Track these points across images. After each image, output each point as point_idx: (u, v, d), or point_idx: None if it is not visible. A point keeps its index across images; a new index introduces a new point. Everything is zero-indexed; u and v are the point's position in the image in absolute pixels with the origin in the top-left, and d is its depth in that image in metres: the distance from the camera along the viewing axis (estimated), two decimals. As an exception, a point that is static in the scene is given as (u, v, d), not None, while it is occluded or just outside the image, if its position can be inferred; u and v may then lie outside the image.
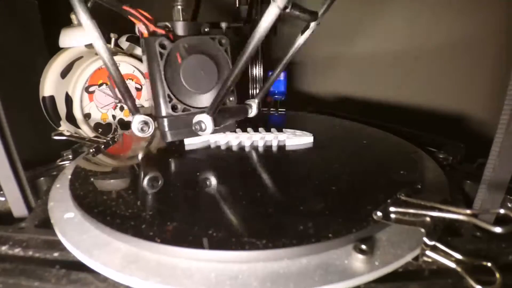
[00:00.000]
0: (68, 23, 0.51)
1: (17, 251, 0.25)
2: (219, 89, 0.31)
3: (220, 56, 0.37)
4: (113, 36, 0.52)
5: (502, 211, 0.21)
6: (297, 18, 0.30)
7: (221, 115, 0.33)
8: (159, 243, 0.22)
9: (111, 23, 0.54)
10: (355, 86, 0.64)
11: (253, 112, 0.39)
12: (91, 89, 0.50)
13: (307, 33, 0.35)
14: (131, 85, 0.54)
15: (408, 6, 0.54)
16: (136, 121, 0.33)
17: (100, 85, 0.51)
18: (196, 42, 0.36)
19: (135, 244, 0.22)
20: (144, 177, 0.32)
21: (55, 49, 0.52)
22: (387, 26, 0.57)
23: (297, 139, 0.39)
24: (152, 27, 0.34)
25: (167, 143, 0.39)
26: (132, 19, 0.34)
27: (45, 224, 0.27)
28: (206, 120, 0.32)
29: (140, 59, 0.54)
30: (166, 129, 0.36)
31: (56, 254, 0.24)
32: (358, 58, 0.62)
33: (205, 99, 0.37)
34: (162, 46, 0.34)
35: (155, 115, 0.36)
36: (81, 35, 0.50)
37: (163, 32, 0.35)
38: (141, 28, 0.35)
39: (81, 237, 0.24)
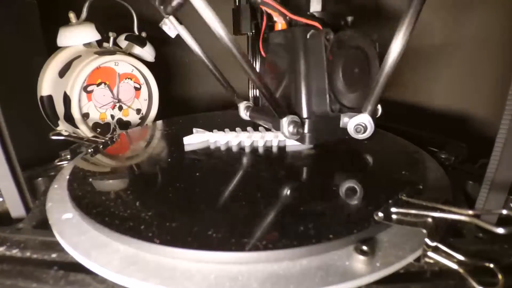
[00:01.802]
0: (66, 22, 0.51)
1: (15, 252, 0.24)
2: (376, 87, 0.28)
3: (371, 53, 0.34)
4: (111, 35, 0.52)
5: (504, 211, 0.21)
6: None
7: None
8: (158, 244, 0.21)
9: (110, 22, 0.54)
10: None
11: (379, 112, 0.37)
12: (89, 88, 0.50)
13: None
14: (130, 84, 0.54)
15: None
16: (286, 123, 0.30)
17: (98, 85, 0.51)
18: (351, 35, 0.33)
19: (134, 245, 0.22)
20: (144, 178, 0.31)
21: (54, 48, 0.51)
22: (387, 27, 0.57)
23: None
24: (296, 17, 0.32)
25: (166, 143, 0.38)
26: (267, 9, 0.31)
27: (43, 225, 0.27)
28: (367, 120, 0.29)
29: (138, 58, 0.53)
30: (312, 131, 0.33)
31: (54, 255, 0.24)
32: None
33: (354, 99, 0.34)
34: (328, 39, 0.31)
35: (302, 115, 0.33)
36: (79, 34, 0.50)
37: (316, 24, 0.32)
38: (278, 19, 0.32)
39: (80, 238, 0.24)
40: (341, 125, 0.32)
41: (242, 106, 0.39)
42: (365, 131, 0.30)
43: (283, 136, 0.39)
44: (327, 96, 0.32)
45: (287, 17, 0.33)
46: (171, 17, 0.33)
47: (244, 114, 0.39)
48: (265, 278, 0.20)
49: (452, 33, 0.50)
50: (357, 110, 0.31)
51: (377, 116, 0.37)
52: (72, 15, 0.50)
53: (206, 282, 0.20)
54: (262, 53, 0.39)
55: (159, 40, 0.54)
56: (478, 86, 0.50)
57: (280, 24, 0.34)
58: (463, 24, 0.49)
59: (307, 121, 0.32)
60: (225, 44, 0.26)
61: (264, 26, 0.37)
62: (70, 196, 0.28)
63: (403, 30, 0.26)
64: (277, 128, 0.32)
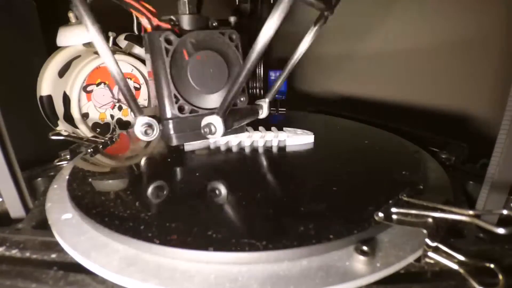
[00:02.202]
0: (66, 22, 0.50)
1: (14, 252, 0.24)
2: (229, 88, 0.29)
3: (230, 53, 0.35)
4: (111, 35, 0.51)
5: (505, 212, 0.21)
6: (310, 6, 0.28)
7: (232, 116, 0.31)
8: (158, 245, 0.21)
9: (109, 22, 0.54)
10: (356, 86, 0.64)
11: (264, 113, 0.37)
12: (89, 88, 0.50)
13: (320, 24, 0.33)
14: (130, 84, 0.54)
15: (411, 7, 0.53)
16: (140, 124, 0.31)
17: (98, 85, 0.51)
18: (204, 37, 0.34)
19: (133, 245, 0.22)
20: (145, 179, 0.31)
21: (53, 48, 0.51)
22: (389, 26, 0.57)
23: (298, 138, 0.39)
24: (156, 21, 0.32)
25: (166, 143, 0.38)
26: (134, 12, 0.32)
27: (43, 225, 0.27)
28: (216, 122, 0.30)
29: (138, 58, 0.53)
30: (172, 132, 0.33)
31: (53, 256, 0.24)
32: (359, 57, 0.62)
33: (214, 100, 0.34)
34: (168, 42, 0.32)
35: (159, 116, 0.33)
36: (79, 33, 0.50)
37: (168, 26, 0.33)
38: (143, 22, 0.32)
39: (79, 238, 0.24)
40: (201, 125, 0.31)
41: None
42: (214, 132, 0.30)
43: (283, 136, 0.39)
44: (173, 98, 0.32)
45: (153, 22, 0.33)
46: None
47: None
48: (265, 279, 0.20)
49: (452, 32, 0.50)
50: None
51: (261, 118, 0.37)
52: (71, 15, 0.50)
53: (206, 282, 0.20)
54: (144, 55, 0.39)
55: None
56: (479, 86, 0.50)
57: (146, 27, 0.34)
58: (463, 24, 0.49)
59: (170, 122, 0.33)
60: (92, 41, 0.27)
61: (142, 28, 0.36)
62: (70, 196, 0.28)
63: (272, 20, 0.24)
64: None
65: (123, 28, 0.55)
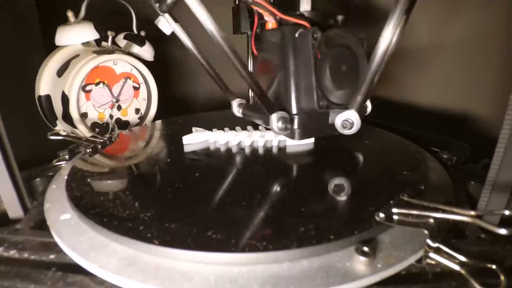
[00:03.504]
0: (65, 21, 0.50)
1: (12, 253, 0.24)
2: (363, 84, 0.29)
3: (359, 50, 0.35)
4: (110, 34, 0.51)
5: (507, 212, 0.21)
6: None
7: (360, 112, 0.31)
8: (157, 245, 0.21)
9: (108, 21, 0.54)
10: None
11: (368, 109, 0.37)
12: (88, 88, 0.50)
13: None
14: (129, 84, 0.54)
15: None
16: (275, 118, 0.30)
17: (97, 84, 0.51)
18: (337, 34, 0.34)
19: (133, 246, 0.22)
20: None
21: (52, 47, 0.51)
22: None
23: (298, 138, 0.38)
24: (285, 17, 0.33)
25: (166, 143, 0.38)
26: (257, 8, 0.32)
27: (41, 225, 0.27)
28: (354, 117, 0.30)
29: (137, 58, 0.53)
30: (301, 127, 0.33)
31: (52, 256, 0.24)
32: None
33: (342, 96, 0.34)
34: (315, 38, 0.32)
35: (291, 111, 0.33)
36: (78, 33, 0.50)
37: (305, 23, 0.33)
38: (269, 18, 0.33)
39: (78, 239, 0.24)
40: (329, 121, 0.32)
41: (235, 103, 0.39)
42: (351, 127, 0.31)
43: (283, 136, 0.39)
44: (315, 93, 0.33)
45: (277, 17, 0.33)
46: (167, 15, 0.34)
47: (237, 111, 0.40)
48: (265, 279, 0.20)
49: (454, 32, 0.50)
50: (345, 106, 0.32)
51: (366, 114, 0.37)
52: (70, 14, 0.50)
53: (205, 283, 0.19)
54: (254, 51, 0.40)
55: (158, 39, 0.54)
56: (480, 86, 0.50)
57: (270, 23, 0.35)
58: (464, 23, 0.49)
59: (296, 117, 0.33)
60: (216, 41, 0.26)
61: (256, 25, 0.38)
62: (69, 197, 0.28)
63: (390, 28, 0.26)
64: (267, 124, 0.32)
65: (122, 27, 0.55)
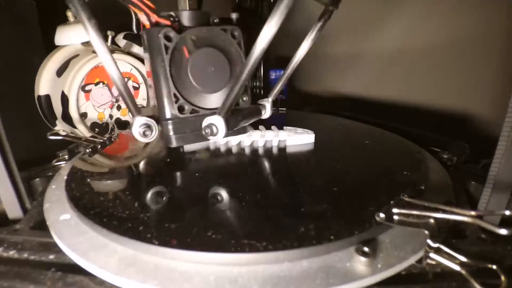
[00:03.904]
0: (64, 21, 0.50)
1: (12, 253, 0.24)
2: (231, 87, 0.28)
3: (233, 51, 0.33)
4: (110, 34, 0.51)
5: (507, 212, 0.21)
6: (316, 0, 0.27)
7: (234, 117, 0.30)
8: (157, 245, 0.21)
9: (108, 20, 0.53)
10: (357, 85, 0.64)
11: (267, 113, 0.36)
12: (87, 88, 0.50)
13: (325, 19, 0.32)
14: (129, 84, 0.54)
15: (411, 7, 0.53)
16: (137, 124, 0.30)
17: (96, 84, 0.51)
18: (205, 34, 0.32)
19: (132, 246, 0.22)
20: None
21: (51, 47, 0.51)
22: (388, 26, 0.57)
23: (298, 137, 0.38)
24: (155, 17, 0.31)
25: (166, 144, 0.38)
26: (132, 8, 0.30)
27: (41, 225, 0.27)
28: (218, 122, 0.29)
29: (137, 57, 0.53)
30: (171, 133, 0.32)
31: (51, 257, 0.24)
32: (359, 57, 0.62)
33: (215, 100, 0.33)
34: (167, 38, 0.31)
35: (158, 117, 0.32)
36: (77, 32, 0.50)
37: (167, 22, 0.31)
38: (142, 18, 0.31)
39: (77, 239, 0.24)
40: (202, 126, 0.30)
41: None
42: (214, 134, 0.29)
43: (284, 136, 0.38)
44: (172, 97, 0.31)
45: (151, 18, 0.31)
46: None
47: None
48: (265, 280, 0.20)
49: (454, 32, 0.50)
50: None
51: (266, 117, 0.36)
52: (70, 14, 0.50)
53: (205, 283, 0.19)
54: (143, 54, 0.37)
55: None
56: (481, 86, 0.49)
57: (145, 24, 0.32)
58: (464, 23, 0.49)
59: (169, 123, 0.32)
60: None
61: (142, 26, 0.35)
62: (68, 197, 0.28)
63: (267, 28, 0.24)
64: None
65: (122, 26, 0.55)
